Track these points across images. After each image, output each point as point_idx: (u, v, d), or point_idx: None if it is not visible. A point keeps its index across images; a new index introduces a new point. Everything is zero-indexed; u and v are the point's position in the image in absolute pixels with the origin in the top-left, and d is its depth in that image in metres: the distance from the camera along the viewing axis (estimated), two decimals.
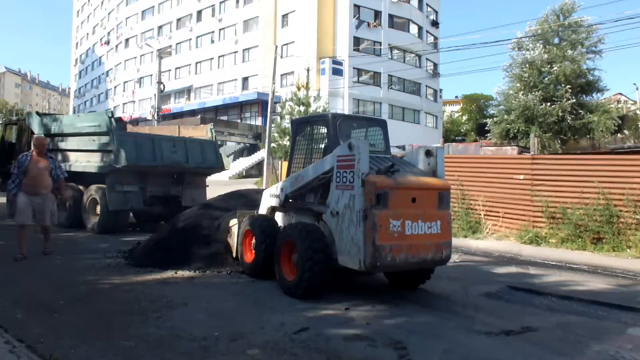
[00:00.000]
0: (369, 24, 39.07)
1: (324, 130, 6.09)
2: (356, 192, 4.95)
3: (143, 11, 57.26)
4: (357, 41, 38.77)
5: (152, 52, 51.53)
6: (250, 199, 8.35)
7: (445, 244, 5.37)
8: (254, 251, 6.28)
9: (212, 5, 48.04)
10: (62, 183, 7.67)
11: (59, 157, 10.54)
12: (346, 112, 33.34)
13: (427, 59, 44.31)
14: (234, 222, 6.90)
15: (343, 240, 5.09)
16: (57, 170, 7.50)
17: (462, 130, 52.67)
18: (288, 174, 6.33)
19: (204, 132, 12.08)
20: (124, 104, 59.42)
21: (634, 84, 53.84)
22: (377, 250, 4.79)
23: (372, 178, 4.93)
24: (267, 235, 6.04)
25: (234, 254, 6.82)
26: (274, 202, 6.43)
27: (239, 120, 43.76)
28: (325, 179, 5.47)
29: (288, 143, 26.67)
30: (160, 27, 54.31)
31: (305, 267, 5.14)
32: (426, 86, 44.23)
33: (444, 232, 5.31)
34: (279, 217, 6.47)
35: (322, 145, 6.04)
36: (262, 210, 6.73)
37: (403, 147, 21.89)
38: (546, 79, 22.44)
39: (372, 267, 4.87)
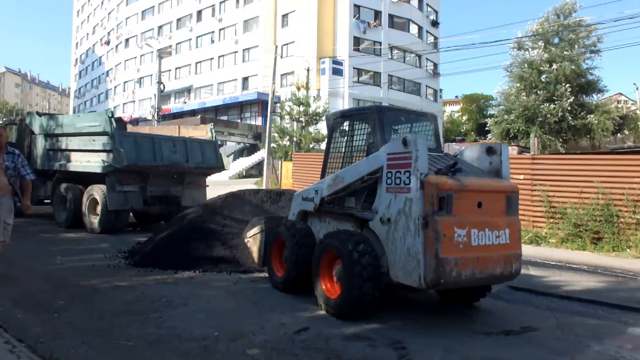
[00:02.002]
0: (369, 24, 39.06)
1: (365, 125, 5.42)
2: (413, 195, 4.22)
3: (143, 11, 57.24)
4: (357, 41, 38.76)
5: (152, 52, 51.52)
6: (251, 199, 8.34)
7: (514, 256, 4.67)
8: (285, 263, 5.64)
9: (212, 5, 48.02)
10: (28, 186, 5.98)
11: (60, 157, 10.57)
12: None
13: (427, 59, 44.29)
14: (258, 230, 6.42)
15: (397, 252, 4.37)
16: (22, 170, 5.81)
17: (462, 130, 52.58)
18: (323, 175, 5.71)
19: (204, 132, 12.09)
20: (124, 104, 59.40)
21: (634, 83, 53.78)
22: (440, 265, 4.10)
23: (433, 179, 4.23)
24: (303, 245, 5.37)
25: (259, 264, 6.42)
26: (307, 206, 5.71)
27: (239, 120, 43.76)
28: (372, 179, 4.76)
29: (288, 143, 26.68)
30: (160, 27, 54.30)
31: (352, 284, 4.45)
32: (426, 86, 44.21)
33: (512, 242, 4.64)
34: (312, 224, 5.77)
35: (364, 142, 5.35)
36: (293, 215, 6.05)
37: None
38: (544, 77, 22.49)
39: (435, 284, 4.18)
